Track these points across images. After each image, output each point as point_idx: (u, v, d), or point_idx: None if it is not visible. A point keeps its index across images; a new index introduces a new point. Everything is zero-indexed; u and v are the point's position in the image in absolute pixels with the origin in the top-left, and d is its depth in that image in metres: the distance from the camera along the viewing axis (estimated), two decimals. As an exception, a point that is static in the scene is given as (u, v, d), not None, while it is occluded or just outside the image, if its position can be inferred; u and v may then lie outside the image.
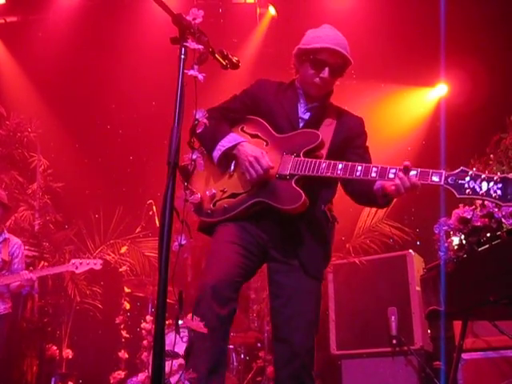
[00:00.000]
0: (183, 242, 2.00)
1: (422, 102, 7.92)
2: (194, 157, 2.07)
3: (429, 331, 5.29)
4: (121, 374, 6.32)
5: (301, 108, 3.02)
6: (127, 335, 6.56)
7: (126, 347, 6.49)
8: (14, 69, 8.16)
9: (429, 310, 3.62)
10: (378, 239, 6.20)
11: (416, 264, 5.31)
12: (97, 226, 7.01)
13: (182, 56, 2.15)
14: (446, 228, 3.37)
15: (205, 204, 2.86)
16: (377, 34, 7.33)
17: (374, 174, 2.61)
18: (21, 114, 7.46)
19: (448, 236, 3.40)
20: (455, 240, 3.34)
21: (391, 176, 2.58)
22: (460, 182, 2.44)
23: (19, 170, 7.37)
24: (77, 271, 5.20)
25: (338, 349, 5.39)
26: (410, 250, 5.42)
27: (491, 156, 5.86)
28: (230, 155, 2.88)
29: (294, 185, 2.73)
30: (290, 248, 2.85)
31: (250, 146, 2.87)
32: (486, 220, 3.15)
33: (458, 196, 2.43)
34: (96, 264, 5.22)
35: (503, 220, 3.07)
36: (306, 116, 3.00)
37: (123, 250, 6.86)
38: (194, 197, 2.13)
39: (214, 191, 2.85)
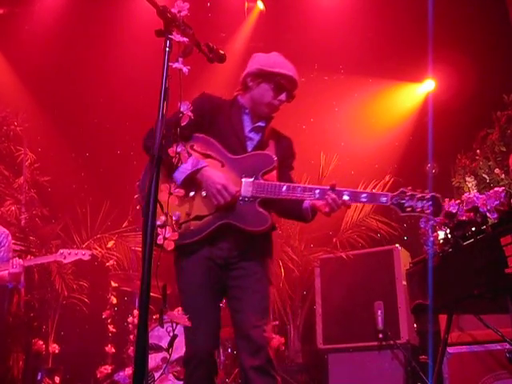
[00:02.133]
0: (167, 235, 2.00)
1: (409, 97, 7.93)
2: (179, 149, 2.06)
3: (415, 325, 5.32)
4: (107, 368, 6.31)
5: (246, 127, 3.12)
6: (114, 330, 6.55)
7: (112, 342, 6.48)
8: (0, 62, 8.09)
9: (414, 303, 3.64)
10: (365, 234, 6.22)
11: (403, 258, 5.33)
12: (84, 221, 6.97)
13: (167, 49, 2.15)
14: (431, 222, 3.38)
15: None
16: (364, 29, 7.34)
17: (317, 195, 2.88)
18: (7, 108, 7.39)
19: (434, 230, 3.41)
20: (441, 234, 3.35)
21: (355, 198, 2.89)
22: (401, 201, 2.80)
23: (5, 163, 7.30)
24: (65, 261, 5.16)
25: (325, 343, 5.40)
26: (397, 245, 5.44)
27: (478, 151, 5.91)
28: (190, 177, 2.91)
29: (258, 207, 2.90)
30: (247, 258, 2.98)
31: (214, 171, 2.92)
32: (471, 214, 3.16)
33: (401, 214, 2.82)
34: (84, 255, 5.19)
35: (488, 214, 3.08)
36: (252, 135, 3.11)
37: (110, 244, 6.83)
38: (178, 190, 2.12)
39: (178, 214, 2.88)
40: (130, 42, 7.51)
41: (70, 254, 5.14)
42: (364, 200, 2.93)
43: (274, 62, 3.12)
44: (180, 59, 2.12)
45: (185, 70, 2.10)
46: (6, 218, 6.78)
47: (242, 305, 2.95)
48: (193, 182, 2.91)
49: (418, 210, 2.79)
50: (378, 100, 7.78)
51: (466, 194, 3.27)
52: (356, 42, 7.35)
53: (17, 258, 5.03)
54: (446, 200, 3.43)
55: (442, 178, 6.11)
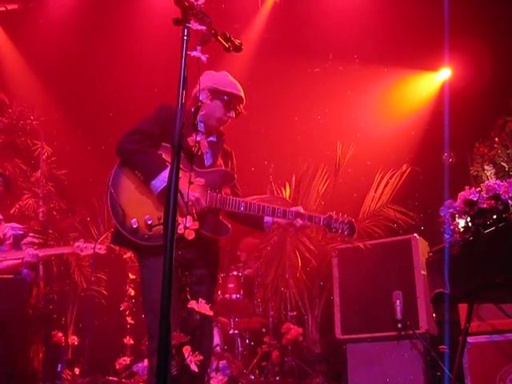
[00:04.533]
0: (188, 225, 1.99)
1: (425, 86, 7.88)
2: (199, 138, 2.05)
3: (434, 315, 5.29)
4: (126, 359, 6.36)
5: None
6: (132, 321, 6.59)
7: (131, 333, 6.52)
8: (15, 56, 8.14)
9: (434, 292, 3.60)
10: (383, 223, 6.18)
11: (421, 248, 5.29)
12: (101, 213, 6.99)
13: (185, 37, 2.14)
14: (451, 210, 3.34)
15: (141, 229, 3.13)
16: (380, 19, 7.28)
17: (279, 215, 3.35)
18: (23, 102, 7.43)
19: (453, 218, 3.38)
20: (461, 222, 3.32)
21: (290, 217, 3.36)
22: (329, 222, 3.44)
23: (22, 158, 7.35)
24: (82, 254, 5.25)
25: (343, 333, 5.39)
26: (415, 234, 5.40)
27: (496, 139, 5.84)
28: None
29: (220, 218, 3.32)
30: (205, 262, 3.28)
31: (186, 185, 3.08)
32: (493, 202, 3.12)
33: (328, 233, 3.53)
34: (100, 249, 5.25)
35: (510, 202, 3.04)
36: (206, 149, 3.29)
37: (127, 236, 6.84)
38: (198, 179, 2.12)
39: (156, 217, 3.12)
40: (145, 33, 7.52)
41: (86, 247, 5.22)
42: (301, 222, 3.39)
43: (226, 82, 3.45)
44: (198, 48, 2.11)
45: (203, 58, 2.10)
46: (24, 212, 6.83)
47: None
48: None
49: (341, 231, 3.45)
50: (393, 89, 7.74)
51: (486, 182, 3.23)
52: (371, 31, 7.29)
53: (31, 249, 5.07)
54: (466, 188, 3.40)
55: (460, 167, 6.05)
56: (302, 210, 3.41)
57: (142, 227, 3.12)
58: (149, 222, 3.09)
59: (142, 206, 3.17)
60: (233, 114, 3.44)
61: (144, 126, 3.34)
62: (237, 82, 3.50)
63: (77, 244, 5.22)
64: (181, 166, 3.03)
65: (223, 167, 3.46)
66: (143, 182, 3.18)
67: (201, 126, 3.32)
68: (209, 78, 3.42)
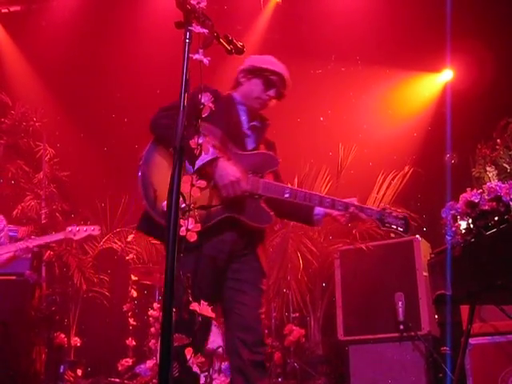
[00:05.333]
0: (190, 227, 2.00)
1: (427, 87, 7.88)
2: (200, 141, 2.06)
3: (436, 316, 5.29)
4: (129, 361, 6.37)
5: (244, 124, 3.18)
6: (134, 323, 6.60)
7: (133, 335, 6.53)
8: (18, 58, 8.16)
9: (436, 294, 3.61)
10: (385, 225, 6.17)
11: (423, 249, 5.29)
12: (103, 215, 7.02)
13: (187, 40, 2.15)
14: (453, 212, 3.35)
15: None
16: (382, 20, 7.29)
17: (327, 204, 3.07)
18: (26, 104, 7.45)
19: (455, 220, 3.38)
20: (463, 224, 3.32)
21: (340, 208, 3.08)
22: (382, 216, 3.15)
23: (25, 159, 7.37)
24: (75, 238, 4.94)
25: (345, 335, 5.39)
26: (417, 236, 5.40)
27: (498, 141, 5.84)
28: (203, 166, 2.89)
29: (263, 205, 3.00)
30: (247, 252, 3.04)
31: (228, 163, 2.93)
32: (494, 204, 3.12)
33: (382, 228, 3.19)
34: (94, 230, 5.02)
35: (511, 203, 3.05)
36: (249, 133, 3.17)
37: (130, 238, 6.87)
38: (200, 182, 2.13)
39: (183, 202, 2.86)
40: (148, 35, 7.54)
41: (78, 230, 4.93)
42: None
43: (265, 60, 3.24)
44: (200, 50, 2.12)
45: (205, 61, 2.11)
46: (26, 213, 6.85)
47: (246, 298, 2.98)
48: (202, 171, 2.86)
49: (394, 226, 3.17)
50: (395, 91, 7.74)
51: (488, 184, 3.23)
52: (373, 32, 7.30)
53: (21, 242, 4.86)
54: (468, 190, 3.40)
55: (462, 168, 6.06)
56: (355, 202, 3.14)
57: None
58: (182, 206, 2.88)
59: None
60: (273, 92, 3.18)
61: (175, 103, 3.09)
62: (281, 63, 3.25)
63: (69, 228, 4.95)
64: (218, 146, 2.96)
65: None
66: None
67: (243, 109, 3.19)
68: (248, 60, 3.28)
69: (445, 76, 7.68)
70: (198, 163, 2.77)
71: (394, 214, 3.17)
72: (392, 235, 6.03)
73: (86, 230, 4.98)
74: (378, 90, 7.65)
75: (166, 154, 2.98)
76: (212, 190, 2.92)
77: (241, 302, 2.98)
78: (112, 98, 7.99)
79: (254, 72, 3.18)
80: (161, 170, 2.96)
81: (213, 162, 2.88)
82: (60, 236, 5.07)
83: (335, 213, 3.13)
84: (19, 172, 7.20)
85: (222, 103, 3.06)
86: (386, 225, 3.16)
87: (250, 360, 2.87)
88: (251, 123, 3.20)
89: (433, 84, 7.85)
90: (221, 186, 2.89)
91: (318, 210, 3.19)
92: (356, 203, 3.14)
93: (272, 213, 3.05)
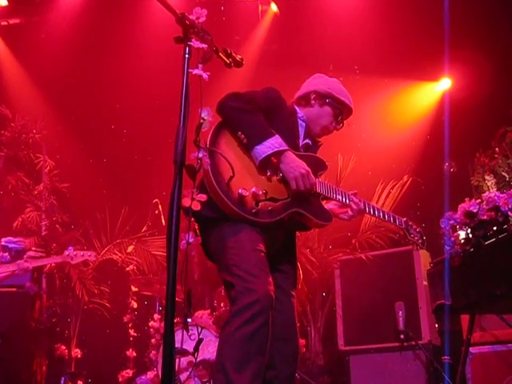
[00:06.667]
0: (191, 240, 2.02)
1: (425, 96, 7.89)
2: (200, 155, 2.08)
3: (436, 325, 5.29)
4: (129, 372, 6.35)
5: (300, 139, 3.12)
6: (135, 334, 6.59)
7: (134, 346, 6.52)
8: (17, 71, 8.17)
9: (436, 304, 3.62)
10: (384, 234, 6.19)
11: (423, 259, 5.31)
12: (103, 226, 7.02)
13: (187, 55, 2.16)
14: (452, 222, 3.37)
15: (248, 201, 2.72)
16: (379, 29, 7.31)
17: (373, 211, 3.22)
18: (26, 116, 7.46)
19: (454, 230, 3.40)
20: (461, 234, 3.34)
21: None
22: (409, 228, 3.29)
23: (25, 171, 7.37)
24: (72, 262, 5.09)
25: (346, 344, 5.40)
26: (417, 245, 5.41)
27: (496, 149, 5.85)
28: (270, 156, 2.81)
29: (322, 203, 3.01)
30: (287, 257, 3.06)
31: (296, 157, 2.87)
32: (493, 214, 3.14)
33: (407, 238, 3.31)
34: (90, 256, 5.15)
35: (509, 213, 3.06)
36: (302, 149, 3.12)
37: (130, 249, 6.87)
38: (200, 196, 2.14)
39: (261, 191, 2.76)
40: (146, 48, 7.56)
41: (76, 255, 5.07)
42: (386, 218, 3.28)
43: (341, 90, 3.19)
44: (200, 65, 2.13)
45: (205, 76, 2.13)
46: (26, 225, 6.85)
47: (283, 306, 2.91)
48: (268, 162, 2.81)
49: (416, 239, 3.32)
50: (394, 100, 7.76)
51: (486, 193, 3.25)
52: (371, 42, 7.32)
53: (22, 261, 5.01)
54: (466, 199, 3.42)
55: (461, 177, 6.08)
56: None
57: (249, 199, 2.71)
58: (260, 193, 2.73)
59: (245, 174, 2.77)
60: (340, 126, 3.21)
61: (251, 94, 2.94)
62: (348, 93, 3.23)
63: (67, 252, 5.07)
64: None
65: None
66: (245, 146, 2.78)
67: (302, 126, 3.13)
68: (322, 82, 3.22)
69: (443, 85, 7.69)
70: (267, 152, 2.74)
71: (414, 226, 3.31)
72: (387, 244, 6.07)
73: (82, 255, 5.10)
74: (377, 99, 7.66)
75: (231, 139, 2.82)
76: (281, 184, 2.85)
77: (277, 310, 2.80)
78: (111, 109, 8.02)
79: (329, 99, 3.15)
80: (234, 154, 2.79)
81: (281, 153, 2.81)
82: (58, 259, 5.26)
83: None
84: (19, 184, 7.20)
85: (286, 112, 3.06)
86: (411, 235, 3.28)
87: (288, 373, 2.87)
88: (305, 141, 3.14)
89: (431, 93, 7.86)
90: (290, 178, 2.81)
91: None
92: (387, 211, 3.32)
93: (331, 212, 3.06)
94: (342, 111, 3.17)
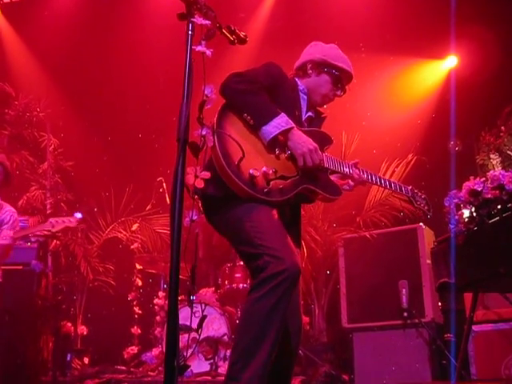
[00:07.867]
0: (194, 218, 2.02)
1: (431, 74, 7.83)
2: (204, 133, 2.07)
3: (439, 304, 5.31)
4: (134, 349, 6.43)
5: (302, 113, 3.09)
6: (140, 311, 6.65)
7: (138, 323, 6.58)
8: (21, 48, 8.15)
9: (439, 282, 3.63)
10: (389, 213, 6.19)
11: (427, 237, 5.30)
12: (108, 204, 7.03)
13: (190, 32, 2.15)
14: (456, 201, 3.36)
15: (259, 180, 2.71)
16: (385, 7, 7.25)
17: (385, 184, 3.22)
18: (29, 94, 7.46)
19: (458, 209, 3.39)
20: (466, 213, 3.33)
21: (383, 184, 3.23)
22: (415, 196, 3.27)
23: (29, 149, 7.38)
24: (53, 230, 5.00)
25: (349, 322, 5.42)
26: (421, 223, 5.41)
27: (502, 128, 5.83)
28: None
29: (330, 177, 2.99)
30: (293, 232, 2.95)
31: (302, 133, 2.85)
32: (497, 192, 3.14)
33: (414, 206, 3.29)
34: (72, 222, 5.03)
35: (514, 192, 3.06)
36: (305, 124, 3.09)
37: (134, 227, 6.90)
38: (203, 173, 2.14)
39: (271, 170, 2.76)
40: (150, 24, 7.52)
41: (57, 222, 4.99)
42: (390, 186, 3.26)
43: (337, 55, 3.13)
44: (203, 42, 2.12)
45: (208, 52, 2.11)
46: (31, 203, 6.88)
47: None
48: (276, 140, 2.79)
49: (422, 206, 3.29)
50: (399, 78, 7.70)
51: (491, 172, 3.24)
52: (376, 19, 7.26)
53: (6, 230, 4.98)
54: (471, 178, 3.41)
55: (466, 156, 6.06)
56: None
57: (260, 179, 2.70)
58: (270, 172, 2.74)
59: (254, 154, 2.76)
60: (340, 92, 3.13)
61: (253, 72, 2.89)
62: (347, 57, 3.15)
63: (50, 220, 5.01)
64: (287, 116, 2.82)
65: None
66: (252, 126, 2.77)
67: (304, 98, 3.09)
68: (317, 50, 3.15)
69: (449, 62, 7.62)
70: (274, 132, 2.73)
71: (419, 194, 3.30)
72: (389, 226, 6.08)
73: (64, 222, 5.02)
74: (382, 78, 7.62)
75: (236, 121, 2.80)
76: (290, 161, 2.84)
77: None
78: (115, 87, 7.99)
79: (325, 67, 3.08)
80: (240, 135, 2.76)
81: (288, 131, 2.79)
82: (40, 227, 5.18)
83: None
84: (24, 162, 7.22)
85: (288, 87, 3.02)
86: (417, 203, 3.27)
87: (293, 348, 2.88)
88: (307, 114, 3.11)
89: (437, 71, 7.80)
90: (298, 155, 2.80)
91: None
92: (393, 180, 3.35)
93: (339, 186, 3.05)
94: (340, 77, 3.09)
